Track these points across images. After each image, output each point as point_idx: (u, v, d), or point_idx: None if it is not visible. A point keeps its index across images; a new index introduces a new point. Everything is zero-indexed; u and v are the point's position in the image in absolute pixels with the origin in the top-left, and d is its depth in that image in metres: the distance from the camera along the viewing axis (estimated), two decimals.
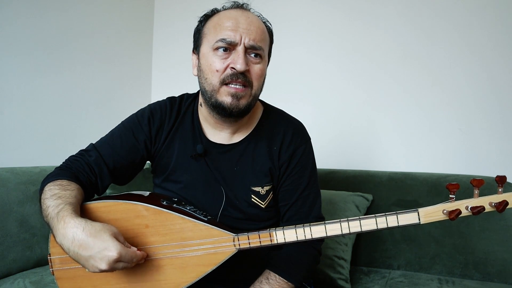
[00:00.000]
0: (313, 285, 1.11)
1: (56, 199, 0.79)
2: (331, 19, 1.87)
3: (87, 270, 0.73)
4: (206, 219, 0.82)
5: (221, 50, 0.87)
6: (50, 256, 0.88)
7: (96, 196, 0.94)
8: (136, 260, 0.75)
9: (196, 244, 0.79)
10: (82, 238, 0.71)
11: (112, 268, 0.71)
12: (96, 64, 1.92)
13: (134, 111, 1.04)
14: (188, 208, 0.85)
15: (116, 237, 0.73)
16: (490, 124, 1.59)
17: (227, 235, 0.79)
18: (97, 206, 0.83)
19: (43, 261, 1.36)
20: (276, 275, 0.91)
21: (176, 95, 1.06)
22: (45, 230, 1.36)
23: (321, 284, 1.33)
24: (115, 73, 2.03)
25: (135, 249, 0.76)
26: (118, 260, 0.71)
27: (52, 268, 0.88)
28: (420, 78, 1.70)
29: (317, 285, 1.22)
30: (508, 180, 1.44)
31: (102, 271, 0.71)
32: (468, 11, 1.63)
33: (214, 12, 0.95)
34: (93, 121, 1.89)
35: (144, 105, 1.05)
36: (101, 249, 0.70)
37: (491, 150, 1.59)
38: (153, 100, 2.28)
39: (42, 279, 1.22)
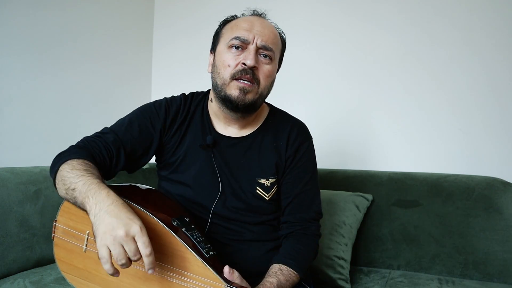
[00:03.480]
0: (313, 285, 1.12)
1: (90, 174, 0.82)
2: (331, 18, 1.87)
3: (97, 239, 0.71)
4: (207, 255, 0.82)
5: (234, 48, 0.95)
6: (55, 222, 0.91)
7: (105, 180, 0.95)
8: (147, 252, 0.71)
9: (189, 276, 0.80)
10: (119, 205, 0.74)
11: (126, 239, 0.69)
12: (96, 64, 1.92)
13: None
14: (195, 236, 0.85)
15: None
16: (490, 124, 1.59)
17: (220, 283, 0.79)
18: None
19: (43, 261, 1.36)
20: (288, 267, 0.92)
21: (176, 94, 1.10)
22: (45, 230, 1.36)
23: (321, 284, 1.33)
24: (115, 72, 2.03)
25: None
26: (135, 234, 0.70)
27: (54, 234, 0.92)
28: (421, 78, 1.70)
29: (317, 285, 1.22)
30: (508, 180, 1.45)
31: (114, 241, 0.69)
32: (469, 11, 1.63)
33: (233, 17, 1.03)
34: (93, 120, 1.89)
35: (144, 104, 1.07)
36: (128, 218, 0.72)
37: (491, 150, 1.59)
38: (153, 99, 2.28)
39: (42, 279, 1.22)
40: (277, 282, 0.87)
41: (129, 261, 0.71)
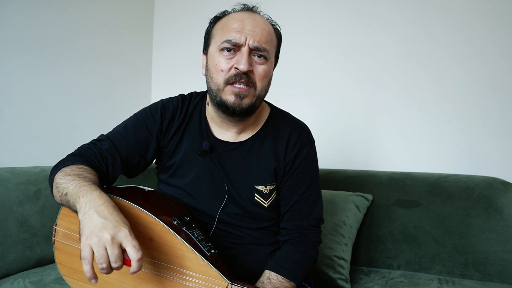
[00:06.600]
0: (313, 285, 1.11)
1: (82, 178, 0.80)
2: (331, 18, 1.87)
3: (82, 238, 0.69)
4: (209, 254, 0.81)
5: (226, 50, 0.90)
6: (55, 226, 0.90)
7: (104, 186, 0.95)
8: (138, 257, 0.68)
9: (190, 275, 0.80)
10: (109, 206, 0.72)
11: (111, 242, 0.67)
12: (96, 64, 1.92)
13: (134, 111, 1.06)
14: (196, 234, 0.84)
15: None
16: (490, 124, 1.59)
17: (222, 281, 0.79)
18: (112, 199, 0.83)
19: (43, 261, 1.36)
20: (278, 274, 0.91)
21: (176, 94, 1.08)
22: (45, 230, 1.36)
23: (321, 284, 1.33)
24: (115, 72, 2.03)
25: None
26: (123, 240, 0.68)
27: (54, 237, 0.91)
28: (421, 77, 1.70)
29: (317, 285, 1.22)
30: (508, 180, 1.45)
31: (99, 242, 0.67)
32: (469, 11, 1.63)
33: (224, 14, 0.97)
34: (93, 120, 1.89)
35: (144, 105, 1.07)
36: (117, 221, 0.70)
37: (491, 150, 1.59)
38: (153, 100, 2.29)
39: (42, 279, 1.22)
40: None
41: (109, 267, 0.67)
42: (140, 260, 0.68)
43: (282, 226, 1.01)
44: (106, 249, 0.67)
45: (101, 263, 0.67)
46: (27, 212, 1.33)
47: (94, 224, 0.69)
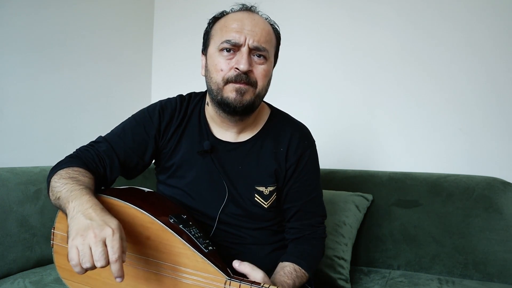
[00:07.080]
0: (313, 285, 1.12)
1: (75, 182, 0.81)
2: (331, 18, 1.87)
3: (69, 240, 0.68)
4: (206, 250, 0.81)
5: (225, 51, 0.90)
6: (54, 230, 0.90)
7: (102, 188, 0.95)
8: (114, 259, 0.66)
9: (188, 272, 0.80)
10: (97, 209, 0.72)
11: (95, 240, 0.66)
12: (96, 64, 1.92)
13: (134, 111, 1.06)
14: (193, 232, 0.84)
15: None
16: (490, 124, 1.59)
17: (220, 277, 0.78)
18: (108, 201, 0.84)
19: (43, 261, 1.36)
20: (301, 268, 0.93)
21: (176, 94, 1.08)
22: (45, 230, 1.36)
23: (321, 284, 1.33)
24: (115, 72, 2.03)
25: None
26: (106, 238, 0.66)
27: (53, 241, 0.91)
28: (421, 77, 1.70)
29: (317, 285, 1.22)
30: (508, 180, 1.45)
31: (84, 242, 0.66)
32: (469, 11, 1.63)
33: (222, 14, 0.97)
34: (93, 121, 1.89)
35: (144, 105, 1.07)
36: (103, 220, 0.69)
37: (491, 150, 1.59)
38: (153, 100, 2.29)
39: (42, 279, 1.22)
40: (293, 285, 0.88)
41: (94, 266, 0.66)
42: (116, 262, 0.65)
43: (291, 226, 1.03)
44: (90, 248, 0.66)
45: (84, 263, 0.65)
46: (27, 212, 1.33)
47: (80, 226, 0.68)
